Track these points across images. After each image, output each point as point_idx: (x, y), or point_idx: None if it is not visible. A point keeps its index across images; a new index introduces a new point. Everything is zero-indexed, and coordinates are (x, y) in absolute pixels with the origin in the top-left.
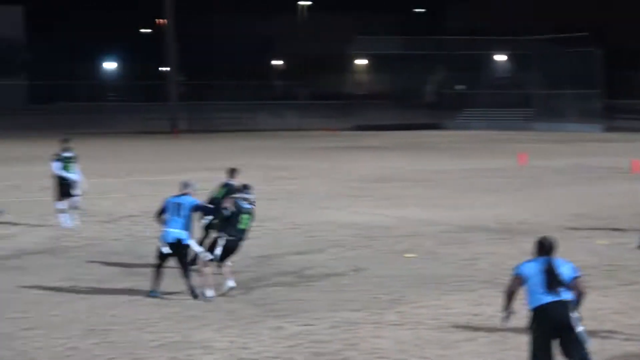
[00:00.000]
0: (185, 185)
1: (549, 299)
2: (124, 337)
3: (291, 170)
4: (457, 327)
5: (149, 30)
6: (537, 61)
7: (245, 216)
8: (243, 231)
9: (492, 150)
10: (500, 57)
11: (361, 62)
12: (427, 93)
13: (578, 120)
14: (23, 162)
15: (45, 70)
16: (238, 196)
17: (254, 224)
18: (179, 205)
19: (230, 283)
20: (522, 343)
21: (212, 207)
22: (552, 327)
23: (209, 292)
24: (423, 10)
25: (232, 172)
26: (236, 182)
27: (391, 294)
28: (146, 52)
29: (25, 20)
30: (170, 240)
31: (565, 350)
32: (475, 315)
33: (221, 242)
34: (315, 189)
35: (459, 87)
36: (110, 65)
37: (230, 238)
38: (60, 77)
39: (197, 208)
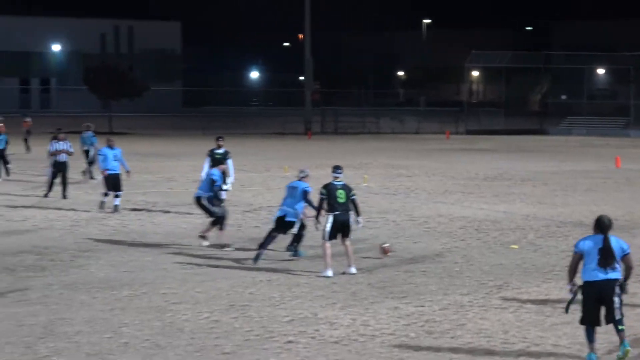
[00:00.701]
0: (301, 172)
1: (600, 276)
2: (260, 313)
3: (410, 169)
4: (556, 311)
5: (289, 44)
6: (634, 74)
7: (340, 191)
8: (344, 204)
9: (591, 154)
10: (600, 71)
11: (475, 73)
12: (533, 102)
13: None
14: (177, 158)
15: (198, 78)
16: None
17: (378, 215)
18: (293, 188)
19: (352, 270)
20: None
21: (316, 206)
22: (598, 298)
23: (328, 272)
24: (531, 28)
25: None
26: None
27: (496, 280)
28: (286, 63)
29: (182, 34)
30: (278, 215)
31: (606, 314)
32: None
33: (329, 219)
34: (431, 186)
35: (562, 97)
36: (254, 74)
37: (337, 213)
38: (210, 84)
39: (304, 194)
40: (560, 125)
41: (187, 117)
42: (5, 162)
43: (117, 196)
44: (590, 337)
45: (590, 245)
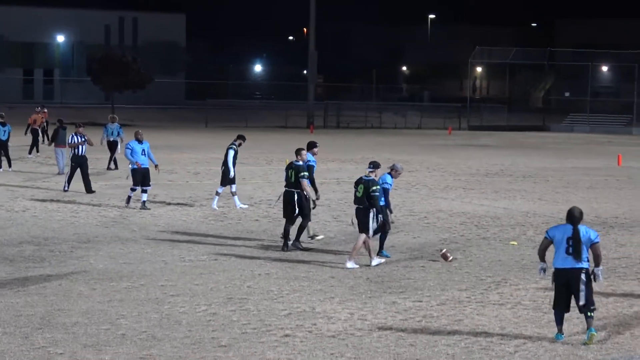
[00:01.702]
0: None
1: (568, 264)
2: (258, 306)
3: (411, 164)
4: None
5: (293, 38)
6: (638, 72)
7: (360, 186)
8: (359, 198)
9: (593, 151)
10: (604, 68)
11: (479, 69)
12: (536, 99)
13: None
14: (179, 150)
15: (201, 70)
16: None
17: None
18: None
19: (347, 264)
20: (614, 325)
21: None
22: (566, 284)
23: (349, 264)
24: (535, 24)
25: (297, 152)
26: (300, 162)
27: (494, 276)
28: (289, 56)
29: (187, 27)
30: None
31: (576, 302)
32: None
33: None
34: (432, 181)
35: (565, 94)
36: (257, 68)
37: (355, 207)
38: (213, 77)
39: (384, 191)
40: (563, 122)
41: (189, 109)
42: (7, 153)
43: (144, 191)
44: (559, 320)
45: (560, 234)
